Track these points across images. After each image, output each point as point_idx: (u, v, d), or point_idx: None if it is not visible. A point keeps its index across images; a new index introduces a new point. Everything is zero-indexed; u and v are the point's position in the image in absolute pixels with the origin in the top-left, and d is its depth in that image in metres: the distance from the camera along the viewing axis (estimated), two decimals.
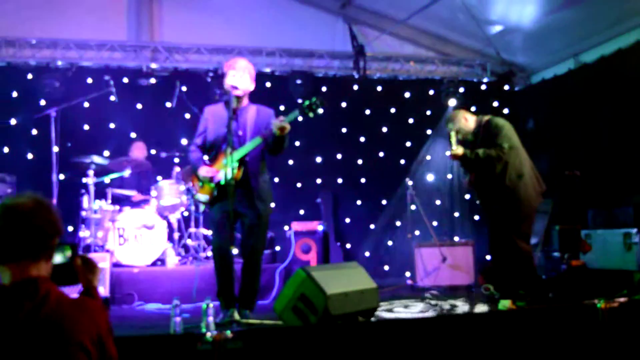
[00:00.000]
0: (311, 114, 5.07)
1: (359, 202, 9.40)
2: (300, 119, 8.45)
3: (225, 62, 5.48)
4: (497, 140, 5.89)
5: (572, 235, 6.99)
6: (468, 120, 6.15)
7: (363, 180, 9.46)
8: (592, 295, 4.87)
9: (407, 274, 8.11)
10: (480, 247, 7.76)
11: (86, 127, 8.78)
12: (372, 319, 4.95)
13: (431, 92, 9.72)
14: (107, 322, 2.37)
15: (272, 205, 5.43)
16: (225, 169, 4.98)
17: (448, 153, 9.17)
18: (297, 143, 8.85)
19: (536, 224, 6.97)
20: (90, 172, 7.47)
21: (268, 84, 8.99)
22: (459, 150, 5.88)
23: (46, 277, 2.34)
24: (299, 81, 8.98)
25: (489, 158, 5.85)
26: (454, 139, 5.98)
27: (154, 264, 7.27)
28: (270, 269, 7.06)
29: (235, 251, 5.18)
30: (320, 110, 5.08)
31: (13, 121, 8.64)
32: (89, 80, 8.69)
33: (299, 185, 9.29)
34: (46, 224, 2.34)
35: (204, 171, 5.27)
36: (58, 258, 2.58)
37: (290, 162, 9.19)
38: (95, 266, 2.74)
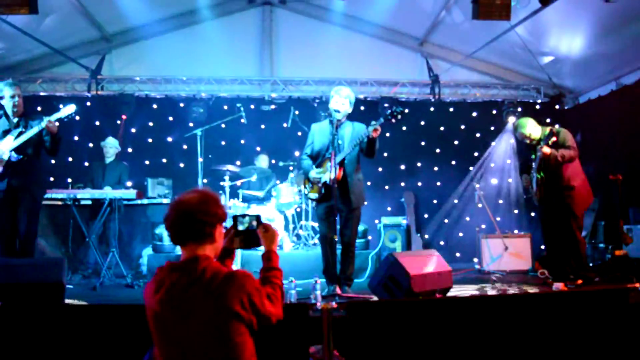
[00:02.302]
0: (394, 120, 5.07)
1: (435, 201, 9.28)
2: (387, 134, 8.48)
3: (328, 91, 5.57)
4: (570, 144, 5.66)
5: (616, 229, 6.69)
6: (536, 127, 5.94)
7: (438, 183, 9.34)
8: (632, 280, 4.66)
9: (475, 260, 7.94)
10: (536, 239, 7.50)
11: (223, 142, 9.06)
12: (447, 295, 4.91)
13: (494, 112, 9.47)
14: (255, 287, 2.37)
15: (365, 202, 5.48)
16: (329, 172, 5.08)
17: (508, 161, 9.04)
18: (385, 154, 8.84)
19: (585, 220, 6.69)
20: (226, 177, 7.68)
21: (362, 108, 9.01)
22: (547, 149, 5.58)
23: (207, 256, 2.40)
24: (386, 104, 8.93)
25: (569, 157, 5.61)
26: (542, 142, 5.66)
27: (257, 249, 7.34)
28: (363, 254, 7.05)
29: (336, 238, 5.26)
30: (400, 117, 5.05)
31: (169, 139, 9.05)
32: (225, 107, 8.93)
33: (386, 187, 9.28)
34: (207, 215, 2.40)
35: (313, 174, 5.39)
36: (246, 225, 2.75)
37: (380, 169, 9.19)
38: (275, 233, 2.77)
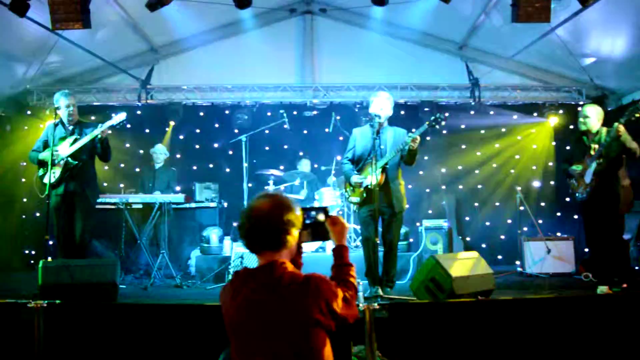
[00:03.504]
0: (437, 126, 5.03)
1: (476, 204, 9.12)
2: (428, 138, 8.41)
3: (369, 96, 5.56)
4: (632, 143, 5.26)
5: None
6: (599, 119, 5.58)
7: (479, 186, 9.18)
8: None
9: (517, 262, 7.77)
10: (580, 242, 7.29)
11: (267, 148, 9.14)
12: (489, 298, 4.82)
13: (535, 114, 9.25)
14: (332, 291, 2.28)
15: (407, 206, 5.44)
16: (371, 176, 5.07)
17: (550, 163, 8.80)
18: (426, 157, 8.76)
19: (630, 222, 6.47)
20: (270, 182, 7.74)
21: (402, 112, 8.93)
22: (622, 127, 5.15)
23: (283, 261, 2.32)
24: (426, 109, 8.84)
25: (635, 149, 5.22)
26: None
27: (316, 250, 7.37)
28: (405, 256, 7.00)
29: (378, 241, 5.24)
30: (443, 123, 5.00)
31: (216, 145, 9.18)
32: (269, 114, 8.97)
33: (427, 190, 9.18)
34: (282, 223, 2.32)
35: (355, 178, 5.39)
36: (313, 219, 2.64)
37: (421, 172, 9.10)
38: (344, 226, 2.64)
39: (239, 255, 6.54)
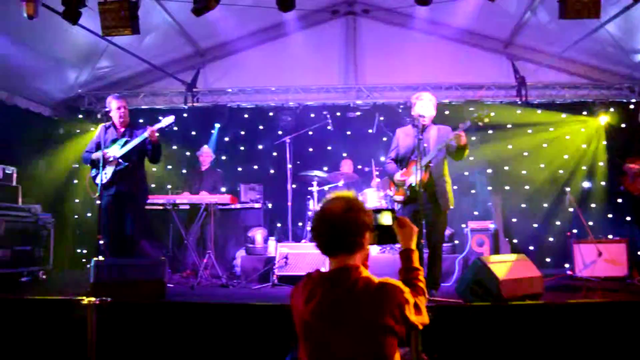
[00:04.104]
0: (480, 123, 4.93)
1: (523, 205, 8.90)
2: (473, 138, 8.27)
3: (412, 97, 5.50)
4: None
5: None
6: None
7: (527, 187, 8.96)
8: None
9: (566, 265, 7.54)
10: (634, 244, 7.02)
11: (310, 149, 9.18)
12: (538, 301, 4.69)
13: (584, 113, 8.98)
14: (405, 297, 2.23)
15: (452, 206, 5.33)
16: (415, 174, 5.02)
17: (601, 163, 8.52)
18: (472, 157, 8.59)
19: None
20: (314, 183, 7.74)
21: (447, 112, 8.80)
22: None
23: (358, 266, 2.29)
24: (471, 108, 8.71)
25: None
26: None
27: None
28: (450, 258, 6.88)
29: (422, 242, 5.17)
30: (487, 120, 4.90)
31: (260, 146, 9.26)
32: (312, 115, 9.03)
33: (473, 191, 9.02)
34: (355, 225, 2.28)
35: (398, 176, 5.35)
36: (380, 221, 2.56)
37: (466, 173, 8.95)
38: (413, 229, 2.58)
39: (284, 255, 6.54)
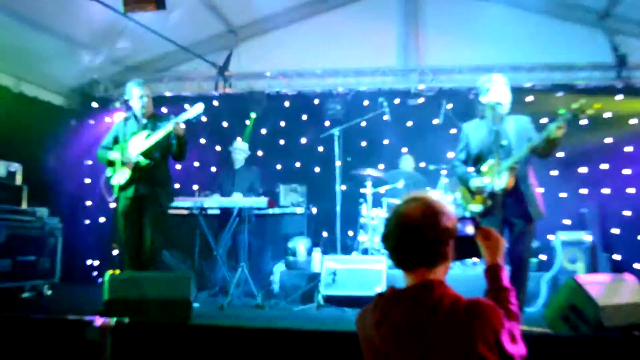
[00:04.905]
0: (582, 114, 4.68)
1: (628, 213, 8.49)
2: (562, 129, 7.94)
3: (484, 81, 5.31)
4: None
5: None
6: None
7: (632, 190, 8.54)
8: None
9: None
10: None
11: (363, 143, 9.10)
12: None
13: None
14: (502, 322, 2.15)
15: (544, 214, 5.13)
16: (496, 178, 4.84)
17: None
18: (561, 154, 8.28)
19: None
20: (368, 183, 7.68)
21: (529, 98, 8.54)
22: None
23: (441, 281, 2.25)
24: (559, 93, 8.47)
25: None
26: None
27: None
28: (535, 277, 6.63)
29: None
30: (591, 111, 4.65)
31: (304, 140, 9.23)
32: (365, 103, 8.94)
33: (563, 195, 8.69)
34: (438, 232, 2.24)
35: (476, 182, 5.16)
36: (460, 232, 2.48)
37: (554, 173, 8.63)
38: (500, 241, 2.53)
39: (331, 271, 6.48)
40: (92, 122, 9.17)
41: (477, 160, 5.25)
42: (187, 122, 5.86)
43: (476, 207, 5.19)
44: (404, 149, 8.91)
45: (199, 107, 5.83)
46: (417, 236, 2.22)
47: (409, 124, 9.07)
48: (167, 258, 7.33)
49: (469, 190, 5.28)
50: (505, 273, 2.49)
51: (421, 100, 9.02)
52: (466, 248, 2.50)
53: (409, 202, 2.30)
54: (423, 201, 2.28)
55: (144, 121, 5.91)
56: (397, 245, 2.27)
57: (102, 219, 8.89)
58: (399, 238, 2.26)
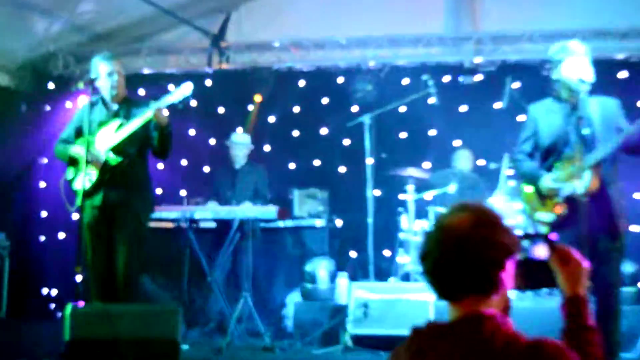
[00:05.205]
0: None
1: None
2: None
3: (558, 52, 5.24)
4: None
5: None
6: None
7: None
8: None
9: None
10: None
11: (403, 135, 9.11)
12: None
13: None
14: None
15: (629, 226, 5.08)
16: (577, 179, 4.75)
17: None
18: None
19: None
20: (409, 188, 7.65)
21: (622, 74, 8.45)
22: None
23: (494, 315, 2.21)
24: None
25: None
26: None
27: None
28: (633, 312, 6.56)
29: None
30: None
31: (324, 130, 9.20)
32: (405, 81, 8.93)
33: None
34: (492, 251, 2.20)
35: (548, 181, 5.08)
36: (534, 252, 2.44)
37: None
38: (579, 267, 2.45)
39: (362, 303, 6.45)
40: (48, 108, 9.21)
41: (548, 153, 5.19)
42: (171, 107, 5.81)
43: (546, 216, 5.11)
44: (457, 142, 8.89)
45: (187, 87, 5.78)
46: (464, 256, 2.17)
47: (463, 108, 9.05)
48: (147, 285, 7.33)
49: (537, 194, 5.20)
50: (589, 308, 2.42)
51: (478, 77, 8.96)
52: (536, 274, 2.44)
53: (455, 212, 2.26)
54: (474, 210, 2.24)
55: (115, 107, 5.89)
56: (439, 268, 2.22)
57: (61, 235, 8.91)
58: (441, 258, 2.21)
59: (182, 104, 5.89)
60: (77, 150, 5.74)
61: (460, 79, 8.98)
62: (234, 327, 6.56)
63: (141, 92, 8.71)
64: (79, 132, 5.85)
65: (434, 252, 2.22)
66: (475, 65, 8.97)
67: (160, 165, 8.39)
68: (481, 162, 8.56)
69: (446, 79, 8.94)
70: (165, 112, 5.71)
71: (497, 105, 8.35)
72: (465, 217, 2.21)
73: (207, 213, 6.93)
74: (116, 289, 5.60)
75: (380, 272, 7.90)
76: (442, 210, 7.83)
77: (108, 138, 5.72)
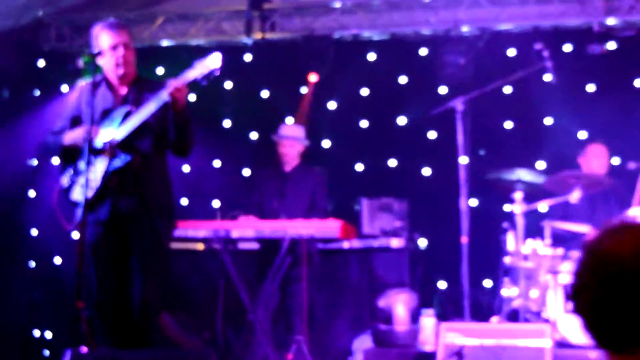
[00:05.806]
0: None
1: None
2: None
3: None
4: None
5: None
6: None
7: None
8: None
9: None
10: None
11: (508, 125, 9.08)
12: None
13: None
14: None
15: None
16: None
17: None
18: None
19: None
20: (517, 196, 7.58)
21: None
22: None
23: None
24: None
25: None
26: None
27: None
28: None
29: None
30: None
31: (402, 120, 9.24)
32: (510, 53, 8.96)
33: None
34: None
35: None
36: None
37: None
38: None
39: (455, 349, 6.43)
40: (37, 93, 9.37)
41: None
42: (193, 85, 5.75)
43: None
44: (582, 134, 8.83)
45: (215, 59, 5.59)
46: (633, 291, 2.15)
47: (591, 88, 9.00)
48: (171, 325, 7.41)
49: None
50: None
51: (612, 45, 8.90)
52: None
53: (614, 234, 2.22)
54: (634, 232, 2.21)
55: (123, 90, 5.92)
56: (599, 309, 2.19)
57: (57, 260, 9.05)
58: (602, 296, 2.18)
59: (208, 81, 5.80)
60: (75, 136, 5.73)
61: (589, 48, 8.93)
62: None
63: (159, 70, 8.80)
64: (76, 124, 5.84)
65: (590, 287, 2.21)
66: (607, 29, 8.93)
67: (186, 168, 8.47)
68: (616, 161, 8.49)
69: (567, 48, 8.93)
70: (184, 92, 5.56)
71: (639, 82, 8.28)
72: (630, 240, 2.17)
73: (248, 231, 6.98)
74: (130, 330, 5.63)
75: (479, 308, 7.91)
76: (572, 227, 7.77)
77: (115, 130, 5.69)
